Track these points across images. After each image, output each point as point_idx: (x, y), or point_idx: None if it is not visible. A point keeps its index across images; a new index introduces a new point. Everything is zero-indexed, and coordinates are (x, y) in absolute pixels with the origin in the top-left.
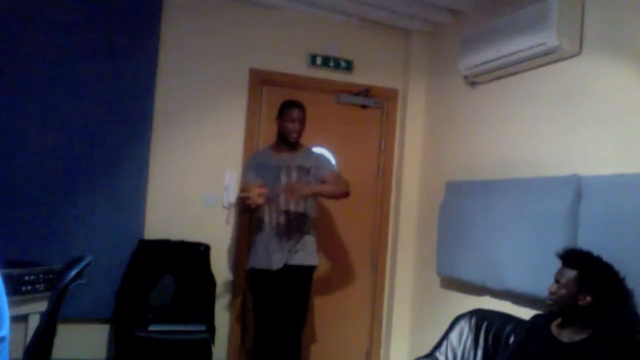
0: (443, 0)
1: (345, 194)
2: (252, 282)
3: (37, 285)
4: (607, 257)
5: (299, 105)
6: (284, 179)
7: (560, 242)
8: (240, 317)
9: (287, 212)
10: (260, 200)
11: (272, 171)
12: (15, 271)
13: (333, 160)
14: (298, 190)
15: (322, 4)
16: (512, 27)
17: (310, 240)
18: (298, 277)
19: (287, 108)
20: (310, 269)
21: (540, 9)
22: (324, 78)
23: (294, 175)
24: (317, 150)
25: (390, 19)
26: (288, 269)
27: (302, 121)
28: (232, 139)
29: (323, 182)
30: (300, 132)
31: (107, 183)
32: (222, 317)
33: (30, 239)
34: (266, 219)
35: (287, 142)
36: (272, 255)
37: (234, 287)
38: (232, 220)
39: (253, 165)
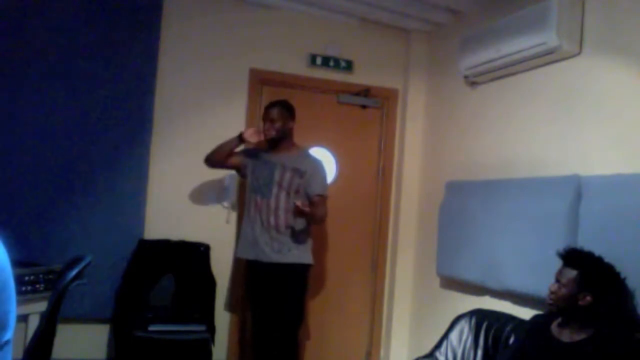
0: (443, 0)
1: (321, 222)
2: (246, 275)
3: (37, 285)
4: (607, 257)
5: (277, 105)
6: (277, 177)
7: (561, 242)
8: (240, 317)
9: (276, 208)
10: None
11: (267, 167)
12: (15, 271)
13: (328, 173)
14: (302, 209)
15: (322, 4)
16: (512, 27)
17: (304, 239)
18: (293, 275)
19: (266, 109)
20: (305, 267)
21: (540, 9)
22: (324, 78)
23: (288, 175)
24: (314, 154)
25: (390, 19)
26: (282, 267)
27: (282, 119)
28: None
29: (310, 200)
30: (279, 130)
31: (107, 183)
32: (222, 317)
33: (30, 239)
34: (258, 214)
35: (269, 141)
36: (261, 247)
37: (234, 287)
38: (232, 220)
39: (249, 150)
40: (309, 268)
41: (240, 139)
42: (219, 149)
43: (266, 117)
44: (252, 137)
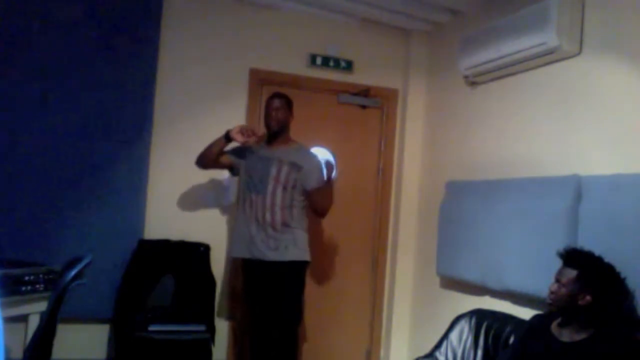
0: (443, 0)
1: (325, 213)
2: (243, 274)
3: (37, 285)
4: (607, 257)
5: (279, 95)
6: (274, 171)
7: (560, 242)
8: (240, 316)
9: (272, 204)
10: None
11: (263, 162)
12: (15, 271)
13: (326, 170)
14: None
15: (322, 4)
16: (512, 27)
17: (301, 236)
18: (290, 273)
19: (268, 100)
20: (302, 264)
21: (540, 9)
22: (324, 78)
23: (286, 169)
24: (315, 151)
25: (390, 19)
26: (279, 265)
27: (284, 110)
28: None
29: (308, 193)
30: (281, 121)
31: (108, 183)
32: (222, 317)
33: (30, 239)
34: (254, 211)
35: (270, 132)
36: (257, 245)
37: (234, 286)
38: (232, 220)
39: (242, 148)
40: (306, 265)
41: (227, 137)
42: (208, 149)
43: (269, 106)
44: (237, 136)
